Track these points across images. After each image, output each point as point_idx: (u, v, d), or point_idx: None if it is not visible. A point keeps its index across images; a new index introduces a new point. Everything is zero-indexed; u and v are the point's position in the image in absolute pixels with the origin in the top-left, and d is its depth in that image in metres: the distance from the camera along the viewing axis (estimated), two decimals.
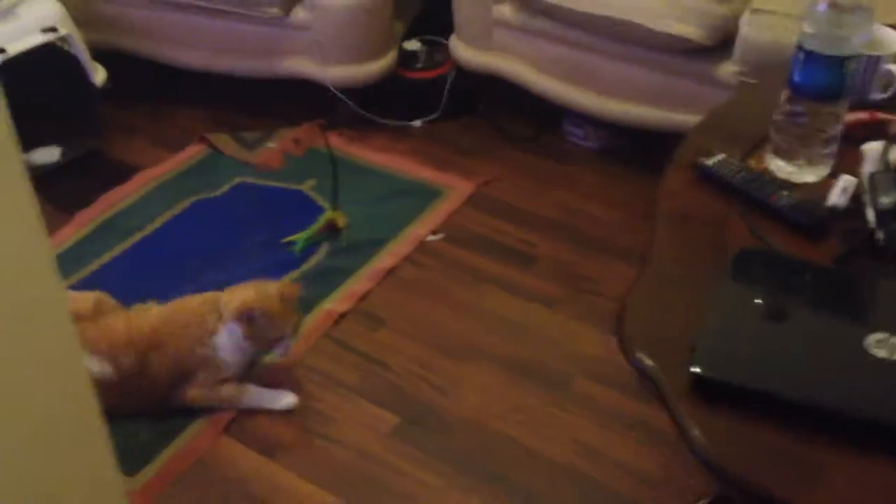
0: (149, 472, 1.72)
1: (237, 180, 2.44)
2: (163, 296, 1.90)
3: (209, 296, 1.84)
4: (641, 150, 2.41)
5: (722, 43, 2.06)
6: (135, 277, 2.16)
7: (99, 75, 2.48)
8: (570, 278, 2.14)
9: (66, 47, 2.36)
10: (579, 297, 2.09)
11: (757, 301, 1.16)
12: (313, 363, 1.94)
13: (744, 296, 1.17)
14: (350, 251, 2.20)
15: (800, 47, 1.28)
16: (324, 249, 2.21)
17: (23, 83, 2.17)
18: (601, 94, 2.30)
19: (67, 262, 2.17)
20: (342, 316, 2.04)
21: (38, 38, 2.29)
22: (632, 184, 2.37)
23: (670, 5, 2.04)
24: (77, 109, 2.43)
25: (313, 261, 2.18)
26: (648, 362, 1.12)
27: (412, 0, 2.70)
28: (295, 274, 2.13)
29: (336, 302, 2.07)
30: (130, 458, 1.73)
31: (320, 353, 1.96)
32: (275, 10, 2.41)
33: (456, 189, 2.38)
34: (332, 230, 2.24)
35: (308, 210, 2.31)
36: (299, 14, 2.43)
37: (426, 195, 2.36)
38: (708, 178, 1.37)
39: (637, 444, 1.75)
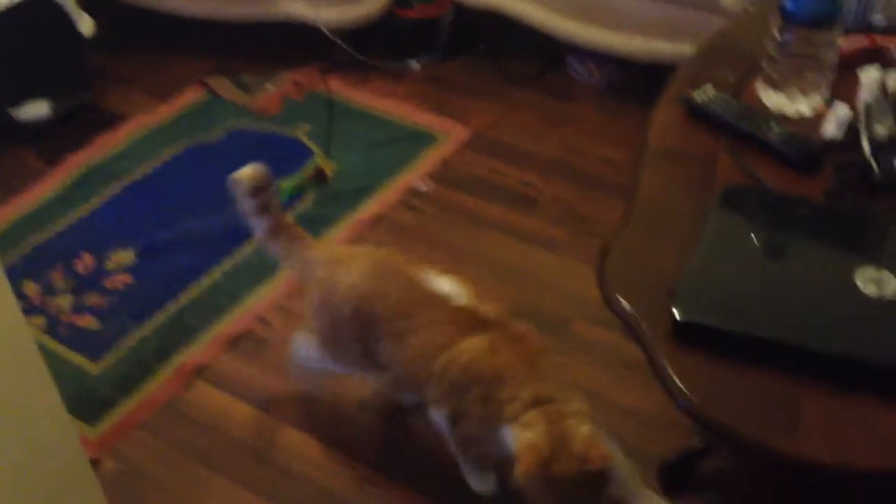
0: (114, 418, 1.73)
1: (233, 126, 2.40)
2: (150, 241, 1.85)
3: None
4: (646, 86, 2.32)
5: None
6: (124, 221, 2.14)
7: (86, 25, 2.42)
8: (572, 220, 2.09)
9: None
10: (581, 238, 2.05)
11: (742, 240, 1.11)
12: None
13: (729, 235, 1.12)
14: (337, 199, 2.17)
15: None
16: (311, 197, 2.18)
17: (9, 38, 2.17)
18: (607, 29, 2.22)
19: (56, 206, 2.17)
20: None
21: None
22: (636, 121, 2.23)
23: None
24: (66, 62, 2.39)
25: (299, 208, 2.15)
26: (626, 305, 1.08)
27: None
28: None
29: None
30: (91, 408, 1.74)
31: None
32: None
33: (452, 134, 2.33)
34: (320, 178, 2.21)
35: (301, 157, 2.27)
36: None
37: (421, 141, 2.32)
38: (697, 112, 1.31)
39: (637, 386, 1.72)
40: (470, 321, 1.40)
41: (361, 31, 2.49)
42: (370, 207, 2.15)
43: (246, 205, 1.54)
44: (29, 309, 1.94)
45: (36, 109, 2.25)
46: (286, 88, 2.50)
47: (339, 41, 2.47)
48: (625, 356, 1.76)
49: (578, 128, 2.33)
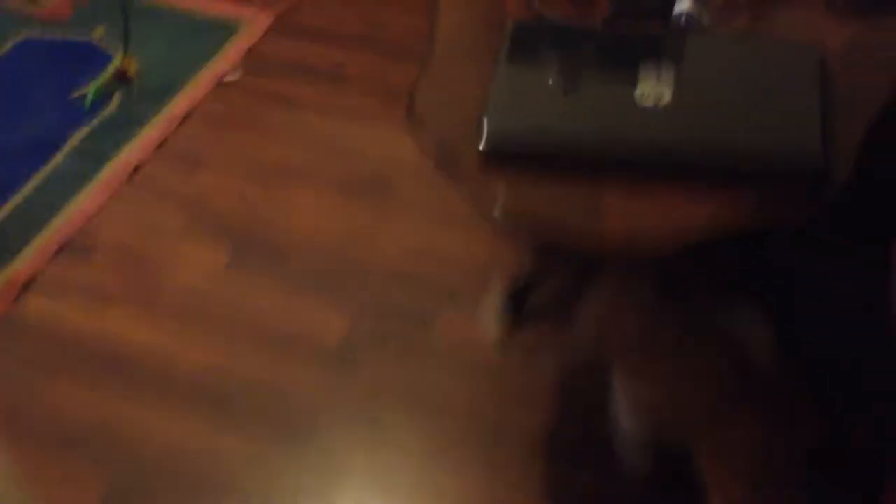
0: None
1: (21, 37, 2.30)
2: None
3: None
4: None
5: None
6: None
7: None
8: (384, 91, 2.14)
9: None
10: (394, 107, 2.05)
11: (534, 72, 1.20)
12: (134, 214, 1.91)
13: (522, 69, 1.21)
14: (144, 98, 2.14)
15: None
16: (116, 100, 2.14)
17: None
18: None
19: None
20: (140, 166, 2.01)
21: None
22: None
23: None
24: None
25: (105, 112, 2.11)
26: (433, 142, 1.16)
27: None
28: (85, 130, 2.06)
29: (134, 151, 2.02)
30: None
31: (139, 204, 1.93)
32: None
33: (254, 21, 2.31)
34: (122, 79, 2.16)
35: (99, 61, 2.21)
36: None
37: (223, 31, 2.29)
38: None
39: (460, 237, 1.81)
40: None
41: None
42: (180, 103, 2.12)
43: None
44: None
45: None
46: None
47: None
48: (450, 211, 1.85)
49: (381, 4, 2.36)
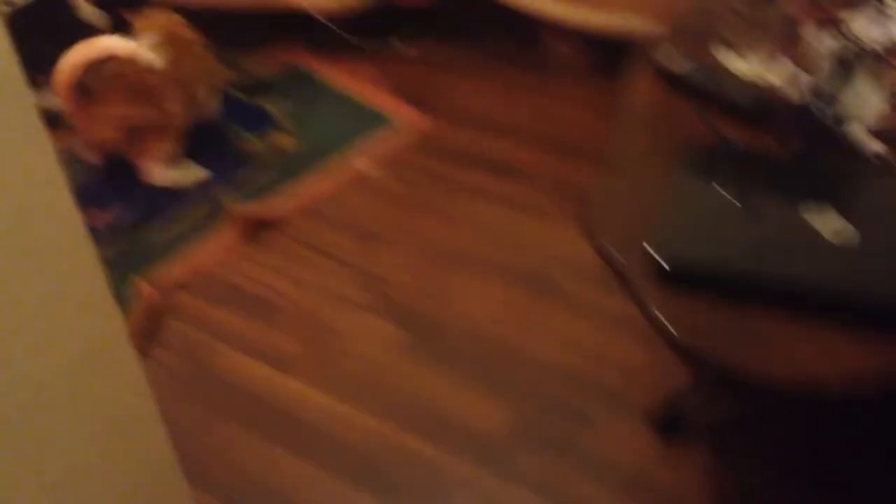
0: None
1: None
2: None
3: None
4: (621, 59, 2.47)
5: None
6: None
7: (97, 19, 2.56)
8: (554, 185, 2.24)
9: None
10: (563, 202, 2.19)
11: (711, 192, 1.25)
12: (318, 280, 2.07)
13: (699, 187, 1.26)
14: (288, 172, 2.33)
15: None
16: (264, 166, 2.35)
17: (31, 32, 2.28)
18: (579, 5, 2.36)
19: None
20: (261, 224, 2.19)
21: None
22: (611, 91, 2.44)
23: None
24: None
25: (250, 176, 2.33)
26: (612, 249, 1.23)
27: None
28: (230, 186, 2.29)
29: (256, 209, 2.22)
30: None
31: (323, 270, 2.09)
32: None
33: (406, 121, 2.47)
34: (275, 149, 2.38)
35: (267, 125, 2.46)
36: None
37: (379, 122, 2.47)
38: (665, 75, 1.45)
39: (623, 337, 1.86)
40: None
41: (348, 14, 2.62)
42: (317, 182, 2.31)
43: None
44: None
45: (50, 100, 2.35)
46: (267, 61, 2.66)
47: (326, 22, 2.60)
48: (610, 310, 1.91)
49: (558, 99, 2.49)
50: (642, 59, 1.50)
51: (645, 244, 1.17)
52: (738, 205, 1.24)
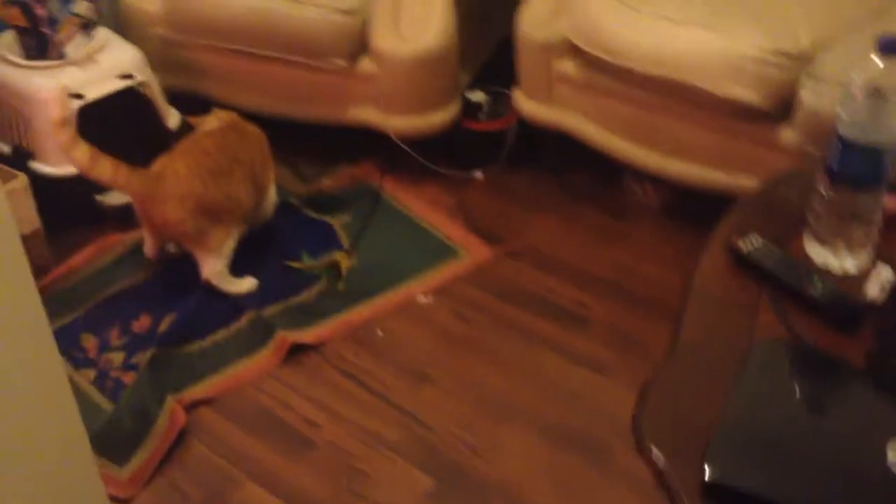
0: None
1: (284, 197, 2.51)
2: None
3: None
4: (702, 209, 2.35)
5: (782, 108, 2.01)
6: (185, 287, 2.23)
7: (172, 119, 2.56)
8: (621, 342, 2.11)
9: (142, 91, 2.46)
10: (629, 361, 2.06)
11: (776, 398, 1.12)
12: (356, 417, 1.96)
13: (764, 393, 1.14)
14: (342, 295, 2.24)
15: (836, 135, 1.24)
16: (317, 287, 2.26)
17: (101, 127, 2.29)
18: (662, 154, 2.27)
19: (126, 264, 2.33)
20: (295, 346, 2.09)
21: (116, 84, 2.39)
22: (691, 244, 2.29)
23: (729, 68, 2.01)
24: (152, 152, 2.51)
25: (303, 293, 2.24)
26: (658, 456, 1.10)
27: (479, 51, 2.71)
28: (279, 306, 2.20)
29: (298, 334, 2.12)
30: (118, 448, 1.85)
31: (362, 406, 1.98)
32: (341, 62, 2.46)
33: (472, 254, 2.37)
34: (334, 270, 2.28)
35: (327, 244, 2.38)
36: (365, 65, 2.48)
37: (445, 252, 2.37)
38: (743, 260, 1.34)
39: None
40: None
41: (425, 136, 2.57)
42: (364, 310, 2.20)
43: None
44: (84, 361, 2.07)
45: (121, 196, 2.35)
46: (342, 181, 2.62)
47: (404, 146, 2.55)
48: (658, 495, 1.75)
49: (631, 247, 2.37)
50: (718, 237, 1.39)
51: (703, 462, 1.05)
52: (804, 418, 1.11)
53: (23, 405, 1.00)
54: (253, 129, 2.34)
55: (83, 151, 2.01)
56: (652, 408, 1.18)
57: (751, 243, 1.34)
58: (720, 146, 2.16)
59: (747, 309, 1.29)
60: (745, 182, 2.12)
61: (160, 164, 2.15)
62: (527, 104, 2.49)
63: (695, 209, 2.39)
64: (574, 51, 2.30)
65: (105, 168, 2.04)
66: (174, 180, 2.10)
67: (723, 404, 1.12)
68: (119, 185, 2.10)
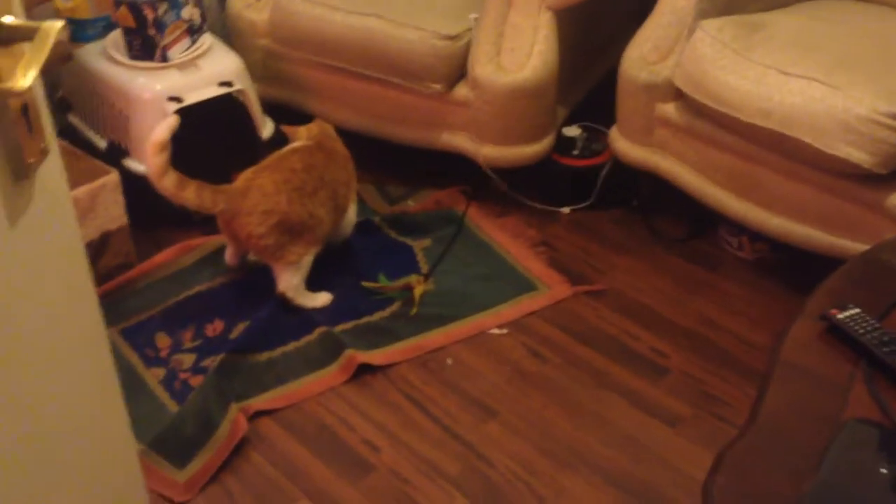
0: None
1: (367, 216, 2.51)
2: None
3: None
4: (799, 268, 2.26)
5: (894, 173, 1.91)
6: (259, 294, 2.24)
7: (267, 129, 2.58)
8: (700, 398, 2.02)
9: (240, 99, 2.48)
10: (706, 419, 1.97)
11: (865, 484, 1.04)
12: (417, 445, 1.92)
13: (850, 473, 1.06)
14: (414, 320, 2.20)
15: None
16: (391, 309, 2.23)
17: (196, 131, 2.32)
18: (761, 207, 2.18)
19: (206, 268, 2.35)
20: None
21: (214, 91, 2.42)
22: (783, 304, 2.23)
23: (843, 127, 1.91)
24: (245, 159, 2.53)
25: (376, 314, 2.21)
26: None
27: (579, 86, 2.67)
28: (351, 324, 2.18)
29: (367, 354, 2.09)
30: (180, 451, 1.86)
31: (424, 435, 1.94)
32: (438, 87, 2.44)
33: (551, 290, 2.30)
34: (409, 294, 2.25)
35: (406, 266, 2.35)
36: (461, 91, 2.45)
37: (525, 286, 2.32)
38: (837, 331, 1.26)
39: None
40: None
41: (514, 166, 2.53)
42: (434, 339, 2.16)
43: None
44: (155, 360, 2.09)
45: None
46: (427, 206, 2.59)
47: (493, 174, 2.52)
48: None
49: (719, 300, 2.28)
50: (813, 304, 1.31)
51: None
52: None
53: (73, 407, 0.99)
54: (340, 149, 2.33)
55: (171, 180, 2.02)
56: (726, 474, 1.11)
57: (847, 314, 1.26)
58: (823, 205, 2.06)
59: (838, 384, 1.21)
60: (846, 244, 2.02)
61: (245, 178, 2.15)
62: (623, 144, 2.43)
63: (790, 268, 2.31)
64: (678, 94, 2.23)
65: (190, 194, 2.05)
66: (259, 195, 2.10)
67: (802, 481, 1.04)
68: (205, 208, 2.10)
